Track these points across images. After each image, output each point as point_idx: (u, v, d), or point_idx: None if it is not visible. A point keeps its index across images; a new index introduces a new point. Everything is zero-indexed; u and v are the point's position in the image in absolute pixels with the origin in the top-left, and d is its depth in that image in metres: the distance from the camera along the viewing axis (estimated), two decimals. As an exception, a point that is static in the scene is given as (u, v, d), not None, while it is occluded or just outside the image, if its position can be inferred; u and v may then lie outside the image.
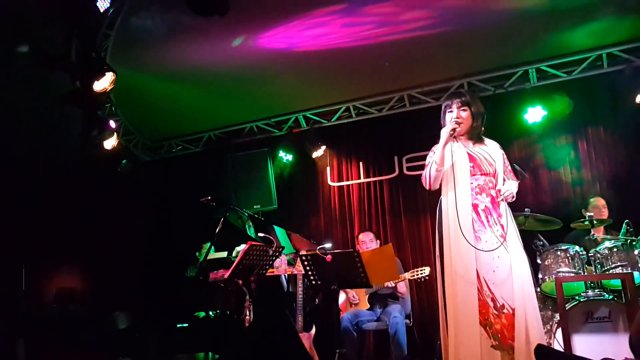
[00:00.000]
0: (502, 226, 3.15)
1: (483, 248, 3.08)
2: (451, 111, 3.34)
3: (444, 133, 3.26)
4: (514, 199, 3.26)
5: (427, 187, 3.33)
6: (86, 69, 4.53)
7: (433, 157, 3.29)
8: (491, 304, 3.05)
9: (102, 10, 4.33)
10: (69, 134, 5.25)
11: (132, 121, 6.68)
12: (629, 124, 5.18)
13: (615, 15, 4.79)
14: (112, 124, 5.61)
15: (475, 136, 3.37)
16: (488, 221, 3.16)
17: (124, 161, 6.24)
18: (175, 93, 5.89)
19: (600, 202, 4.76)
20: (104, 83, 4.55)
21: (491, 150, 3.35)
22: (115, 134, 5.56)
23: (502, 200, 3.21)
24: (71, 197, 6.55)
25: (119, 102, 6.14)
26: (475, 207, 3.18)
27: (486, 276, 3.07)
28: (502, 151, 3.40)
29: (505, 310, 3.03)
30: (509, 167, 3.40)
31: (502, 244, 3.10)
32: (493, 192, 3.24)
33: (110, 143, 5.53)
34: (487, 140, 3.41)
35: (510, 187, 3.23)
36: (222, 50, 5.13)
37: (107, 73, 4.52)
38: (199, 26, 4.70)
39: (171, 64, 5.32)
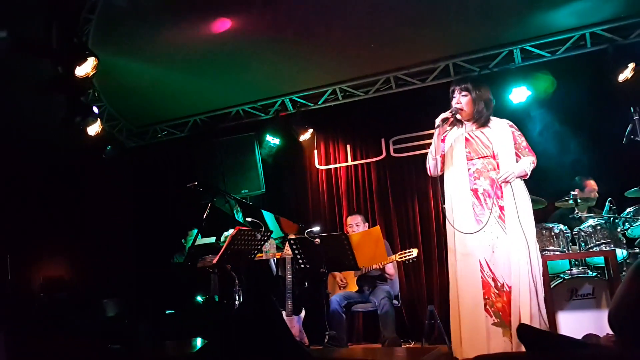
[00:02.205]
0: (502, 207, 3.25)
1: (484, 230, 3.20)
2: (454, 97, 3.44)
3: (436, 123, 3.39)
4: (526, 176, 3.35)
5: (431, 175, 3.53)
6: (68, 54, 4.47)
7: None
8: (492, 283, 3.20)
9: (82, -6, 4.26)
10: (52, 121, 5.18)
11: (116, 107, 6.59)
12: (612, 103, 5.23)
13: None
14: (96, 109, 5.55)
15: (480, 120, 3.44)
16: (487, 204, 3.26)
17: (109, 147, 6.19)
18: (159, 77, 5.80)
19: (594, 185, 4.81)
20: (86, 68, 4.49)
21: (493, 132, 3.41)
22: (98, 119, 5.50)
23: (503, 182, 3.26)
24: (56, 184, 6.48)
25: (102, 87, 6.04)
26: (475, 191, 3.29)
27: (487, 257, 3.21)
28: (512, 129, 3.46)
29: (505, 289, 3.17)
30: (523, 144, 3.45)
31: (484, 224, 3.21)
32: (493, 174, 3.31)
33: (94, 129, 5.48)
34: (494, 122, 3.47)
35: (513, 167, 3.30)
36: (206, 33, 5.06)
37: (89, 58, 4.46)
38: (182, 9, 4.63)
39: (154, 48, 5.25)
